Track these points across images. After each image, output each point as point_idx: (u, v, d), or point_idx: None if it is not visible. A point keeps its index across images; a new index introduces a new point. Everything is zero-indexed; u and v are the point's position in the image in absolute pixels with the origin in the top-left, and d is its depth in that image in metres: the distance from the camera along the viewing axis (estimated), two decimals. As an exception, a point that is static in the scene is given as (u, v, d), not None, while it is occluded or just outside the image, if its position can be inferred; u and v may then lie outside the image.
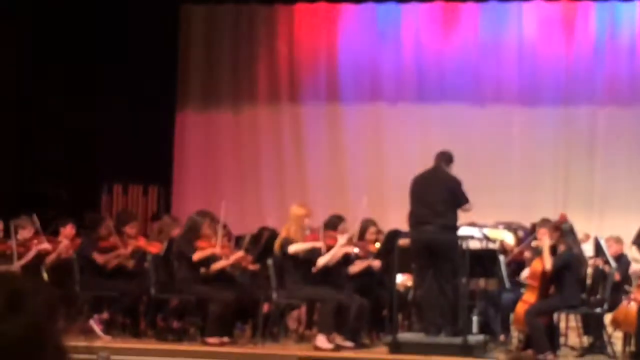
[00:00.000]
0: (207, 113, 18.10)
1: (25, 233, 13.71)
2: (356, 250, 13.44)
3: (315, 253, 13.04)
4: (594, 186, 17.03)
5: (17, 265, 13.45)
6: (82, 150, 16.71)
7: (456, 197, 12.59)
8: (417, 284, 13.35)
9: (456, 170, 13.01)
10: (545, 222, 13.46)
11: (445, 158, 12.89)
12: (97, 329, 13.28)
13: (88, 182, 16.65)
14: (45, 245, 13.62)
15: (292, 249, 12.95)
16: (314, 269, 12.98)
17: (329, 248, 13.16)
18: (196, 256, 13.24)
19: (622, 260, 13.74)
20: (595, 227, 14.94)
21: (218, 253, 13.34)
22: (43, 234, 13.80)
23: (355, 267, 13.43)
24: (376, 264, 13.52)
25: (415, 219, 12.72)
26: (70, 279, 13.63)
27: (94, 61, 16.88)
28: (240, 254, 13.62)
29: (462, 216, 12.83)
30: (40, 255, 13.64)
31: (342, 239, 13.21)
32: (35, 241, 13.65)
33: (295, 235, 13.10)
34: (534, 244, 13.60)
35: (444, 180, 12.67)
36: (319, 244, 13.02)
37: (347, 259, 13.34)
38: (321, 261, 13.06)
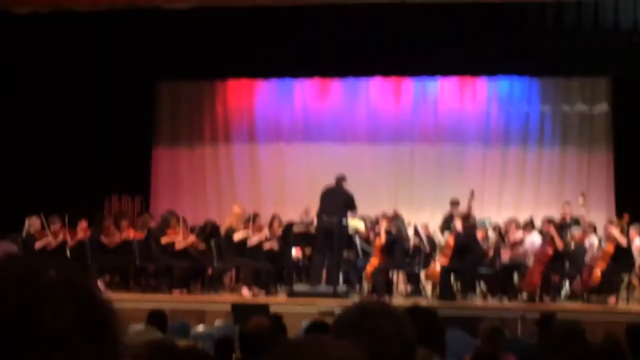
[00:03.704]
0: (172, 150, 17.91)
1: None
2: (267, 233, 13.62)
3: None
4: (413, 193, 16.99)
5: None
6: (93, 172, 16.57)
7: (350, 205, 12.89)
8: (314, 254, 13.45)
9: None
10: (385, 215, 13.71)
11: (343, 178, 13.17)
12: (102, 286, 13.24)
13: (95, 193, 16.51)
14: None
15: (237, 237, 13.13)
16: (248, 244, 13.14)
17: (255, 233, 13.35)
18: (164, 240, 13.31)
19: (430, 238, 14.07)
20: (414, 218, 14.99)
21: (181, 238, 13.46)
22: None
23: (268, 245, 13.52)
24: (275, 245, 13.63)
25: (322, 213, 12.93)
26: (84, 255, 13.63)
27: (98, 116, 16.76)
28: (193, 238, 13.70)
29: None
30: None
31: (265, 232, 13.42)
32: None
33: (236, 225, 13.35)
34: (377, 229, 13.81)
35: (344, 194, 12.99)
36: (250, 233, 13.16)
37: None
38: (253, 240, 13.22)
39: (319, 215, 13.03)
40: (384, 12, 14.18)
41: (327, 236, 12.77)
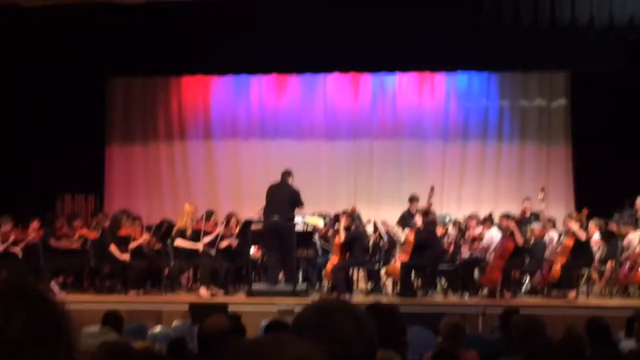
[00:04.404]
0: (126, 147, 17.83)
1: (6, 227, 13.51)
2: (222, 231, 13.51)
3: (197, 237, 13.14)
4: (372, 190, 17.18)
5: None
6: (45, 171, 16.36)
7: (295, 201, 12.82)
8: (265, 253, 13.43)
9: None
10: (344, 212, 13.68)
11: (288, 174, 13.10)
12: (56, 288, 13.07)
13: (48, 192, 16.32)
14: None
15: (177, 243, 13.05)
16: (199, 245, 13.07)
17: (206, 232, 13.25)
18: (112, 248, 13.16)
19: (390, 235, 14.08)
20: (373, 214, 15.15)
21: (133, 237, 13.33)
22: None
23: (224, 243, 13.45)
24: (234, 242, 13.58)
25: (268, 212, 12.88)
26: (37, 257, 13.43)
27: (49, 114, 16.55)
28: (146, 236, 13.58)
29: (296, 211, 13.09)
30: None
31: (218, 229, 13.31)
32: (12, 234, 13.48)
33: (186, 224, 13.22)
34: (335, 226, 13.79)
35: (289, 190, 12.89)
36: (197, 245, 13.06)
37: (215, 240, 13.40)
38: (205, 240, 13.13)
39: (265, 214, 12.99)
40: (341, 7, 14.19)
41: (275, 234, 12.75)
